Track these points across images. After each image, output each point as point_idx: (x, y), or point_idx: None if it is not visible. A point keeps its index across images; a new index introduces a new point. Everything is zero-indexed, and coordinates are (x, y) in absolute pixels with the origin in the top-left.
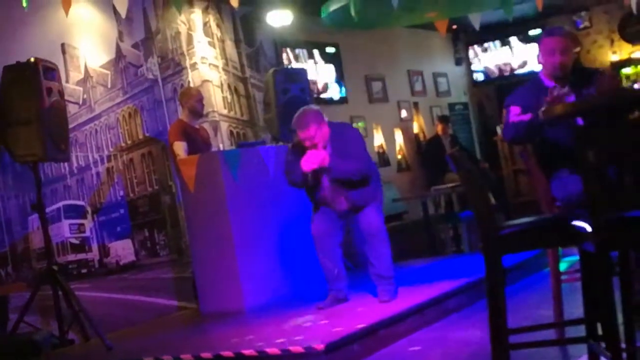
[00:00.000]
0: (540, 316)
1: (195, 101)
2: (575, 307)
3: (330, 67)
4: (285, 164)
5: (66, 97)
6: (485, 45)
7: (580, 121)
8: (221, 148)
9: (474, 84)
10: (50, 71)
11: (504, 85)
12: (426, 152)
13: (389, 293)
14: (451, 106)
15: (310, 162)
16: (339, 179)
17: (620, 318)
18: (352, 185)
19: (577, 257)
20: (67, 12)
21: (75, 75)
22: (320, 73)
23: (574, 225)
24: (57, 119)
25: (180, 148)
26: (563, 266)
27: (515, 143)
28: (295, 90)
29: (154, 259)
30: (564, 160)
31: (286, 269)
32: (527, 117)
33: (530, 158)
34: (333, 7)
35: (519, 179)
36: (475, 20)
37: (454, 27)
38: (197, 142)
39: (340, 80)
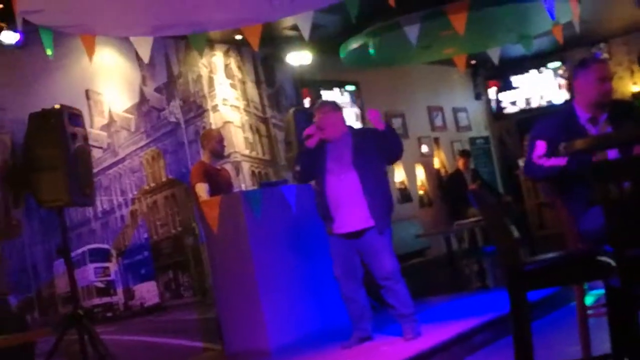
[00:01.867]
0: (567, 352)
1: (215, 142)
2: (602, 342)
3: (353, 109)
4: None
5: (91, 142)
6: (505, 79)
7: (611, 154)
8: (243, 188)
9: (495, 117)
10: (75, 117)
11: (524, 118)
12: (448, 187)
13: (413, 330)
14: (472, 140)
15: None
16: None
17: None
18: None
19: (603, 290)
20: (91, 59)
21: (100, 120)
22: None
23: (600, 260)
24: (82, 164)
25: (202, 190)
26: (589, 300)
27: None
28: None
29: (178, 301)
30: (587, 194)
31: (310, 307)
32: (561, 162)
33: (552, 192)
34: (352, 46)
35: (542, 212)
36: (494, 55)
37: (473, 62)
38: (219, 183)
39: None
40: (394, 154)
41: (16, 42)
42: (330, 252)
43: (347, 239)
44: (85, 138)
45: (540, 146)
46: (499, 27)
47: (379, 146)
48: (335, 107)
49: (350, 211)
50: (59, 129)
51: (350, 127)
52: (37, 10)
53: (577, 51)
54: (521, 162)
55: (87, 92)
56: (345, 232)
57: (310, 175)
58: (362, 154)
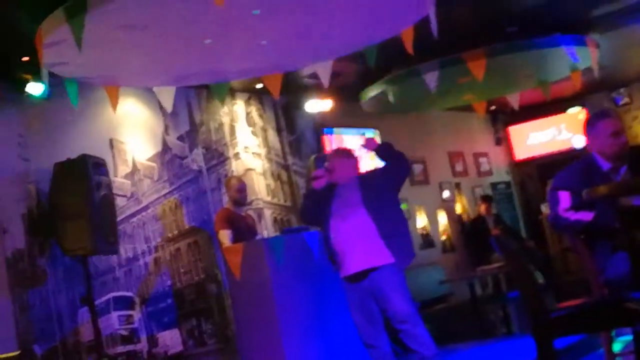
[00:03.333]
0: None
1: (234, 192)
2: None
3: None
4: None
5: (115, 191)
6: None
7: (636, 202)
8: (265, 235)
9: (516, 163)
10: (99, 166)
11: (545, 163)
12: (470, 232)
13: None
14: (493, 185)
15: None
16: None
17: None
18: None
19: (631, 337)
20: (114, 109)
21: (123, 169)
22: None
23: (627, 307)
24: (106, 213)
25: (225, 236)
26: (617, 347)
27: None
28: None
29: (202, 349)
30: (611, 240)
31: (334, 354)
32: (587, 216)
33: (576, 238)
34: (371, 93)
35: (567, 257)
36: (514, 100)
37: (492, 107)
38: (242, 230)
39: None
40: (400, 173)
41: (42, 93)
42: (346, 298)
43: (358, 282)
44: (110, 187)
45: (565, 198)
46: (517, 73)
47: (385, 176)
48: (349, 154)
49: (356, 252)
50: (84, 178)
51: (360, 174)
52: (61, 62)
53: (596, 96)
54: (544, 207)
55: (111, 141)
56: (351, 273)
57: (313, 216)
58: (371, 190)
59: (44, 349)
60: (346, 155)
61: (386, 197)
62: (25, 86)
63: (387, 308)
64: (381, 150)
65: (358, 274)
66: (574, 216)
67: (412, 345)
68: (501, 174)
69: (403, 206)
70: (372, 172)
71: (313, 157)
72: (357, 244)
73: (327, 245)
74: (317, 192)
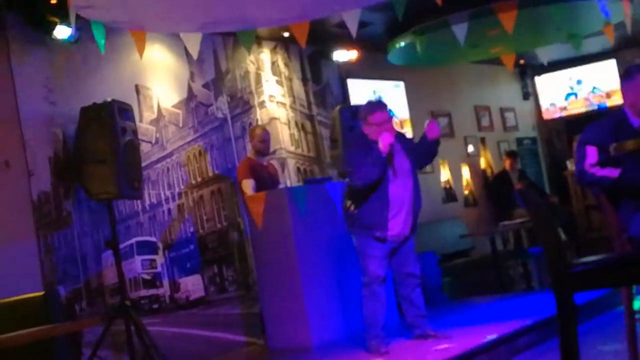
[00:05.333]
0: (613, 356)
1: (258, 141)
2: None
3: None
4: (350, 163)
5: (140, 136)
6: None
7: None
8: (288, 185)
9: (543, 118)
10: (125, 111)
11: (573, 119)
12: (494, 187)
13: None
14: (519, 141)
15: (388, 137)
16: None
17: None
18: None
19: None
20: (141, 55)
21: (149, 115)
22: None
23: None
24: (131, 158)
25: (247, 185)
26: (637, 304)
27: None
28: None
29: (223, 295)
30: (636, 198)
31: (354, 304)
32: (613, 173)
33: (601, 194)
34: (399, 44)
35: (590, 214)
36: (543, 54)
37: (521, 61)
38: (265, 179)
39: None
40: (424, 163)
41: (69, 37)
42: (369, 255)
43: (389, 242)
44: (135, 132)
45: (592, 153)
46: (548, 25)
47: (417, 153)
48: (386, 108)
49: (405, 216)
50: (110, 123)
51: (400, 137)
52: (89, 5)
53: (628, 52)
54: (569, 164)
55: (136, 86)
56: (396, 234)
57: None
58: (413, 160)
59: (68, 290)
60: (387, 109)
61: (416, 169)
62: (52, 30)
63: (408, 264)
64: (436, 143)
65: (394, 235)
66: (600, 172)
67: (417, 301)
68: (527, 130)
69: None
70: (410, 141)
71: (338, 107)
72: (408, 208)
73: (379, 207)
74: (384, 158)
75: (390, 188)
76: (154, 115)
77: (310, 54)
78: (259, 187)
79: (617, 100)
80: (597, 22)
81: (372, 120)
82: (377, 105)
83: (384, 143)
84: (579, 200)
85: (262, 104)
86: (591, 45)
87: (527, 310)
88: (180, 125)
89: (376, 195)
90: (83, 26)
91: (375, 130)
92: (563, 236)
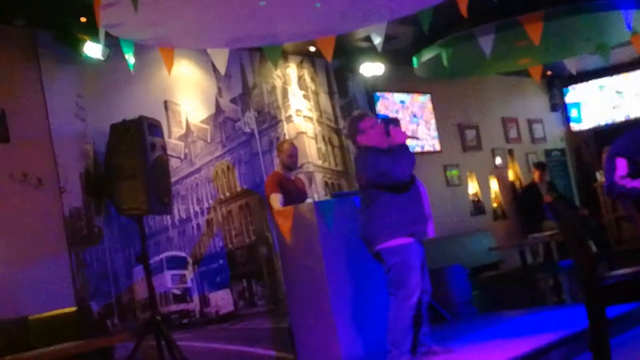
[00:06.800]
0: None
1: (286, 156)
2: None
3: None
4: (375, 168)
5: (169, 152)
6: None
7: None
8: (316, 198)
9: (572, 129)
10: (154, 128)
11: (602, 130)
12: (523, 199)
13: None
14: (547, 152)
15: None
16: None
17: None
18: None
19: None
20: (169, 71)
21: (177, 131)
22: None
23: None
24: (160, 174)
25: (275, 200)
26: None
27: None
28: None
29: (252, 309)
30: None
31: (383, 318)
32: None
33: (632, 206)
34: (425, 57)
35: (621, 226)
36: (572, 65)
37: (549, 72)
38: (293, 194)
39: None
40: None
41: (99, 54)
42: (410, 260)
43: (422, 246)
44: (164, 148)
45: (621, 165)
46: (575, 37)
47: None
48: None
49: (431, 220)
50: (139, 139)
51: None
52: (118, 23)
53: None
54: (599, 175)
55: (165, 102)
56: (433, 236)
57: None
58: None
59: (100, 305)
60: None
61: None
62: (82, 47)
63: (424, 284)
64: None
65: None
66: (630, 184)
67: (425, 319)
68: (556, 141)
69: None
70: None
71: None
72: (428, 212)
73: (417, 204)
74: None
75: (419, 185)
76: (183, 131)
77: (336, 68)
78: (286, 202)
79: None
80: (625, 32)
81: (364, 126)
82: (361, 114)
83: (397, 134)
84: (609, 212)
85: (289, 119)
86: (619, 55)
87: (558, 323)
88: (209, 140)
89: (409, 194)
90: (112, 43)
91: (371, 135)
92: (594, 249)
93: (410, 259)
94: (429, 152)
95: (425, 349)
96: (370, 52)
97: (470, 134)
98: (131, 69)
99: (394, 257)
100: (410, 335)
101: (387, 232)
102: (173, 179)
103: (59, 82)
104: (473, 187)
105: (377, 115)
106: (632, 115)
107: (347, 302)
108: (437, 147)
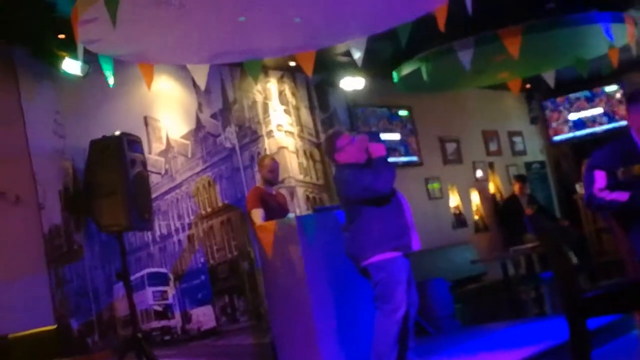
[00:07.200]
0: None
1: (267, 171)
2: None
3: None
4: (357, 183)
5: (149, 168)
6: (560, 102)
7: None
8: (298, 213)
9: (551, 142)
10: (134, 144)
11: (581, 142)
12: (504, 212)
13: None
14: (528, 165)
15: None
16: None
17: None
18: None
19: None
20: (149, 87)
21: (158, 146)
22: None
23: None
24: (140, 190)
25: (257, 215)
26: None
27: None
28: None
29: (234, 325)
30: None
31: (366, 333)
32: (623, 197)
33: (611, 218)
34: (405, 71)
35: (602, 237)
36: (550, 78)
37: (527, 86)
38: (274, 208)
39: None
40: None
41: (77, 71)
42: (396, 274)
43: (408, 259)
44: (144, 164)
45: (600, 177)
46: (553, 50)
47: None
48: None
49: (414, 232)
50: (119, 155)
51: None
52: (97, 39)
53: (634, 75)
54: (579, 187)
55: (145, 118)
56: (416, 250)
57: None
58: None
59: (80, 323)
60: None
61: None
62: (61, 64)
63: (411, 297)
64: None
65: (412, 253)
66: (609, 196)
67: (411, 333)
68: (536, 154)
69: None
70: None
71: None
72: (411, 222)
73: (398, 217)
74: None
75: (399, 197)
76: (163, 147)
77: (317, 82)
78: (268, 217)
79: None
80: (602, 45)
81: (341, 144)
82: (336, 132)
83: (376, 148)
84: (589, 223)
85: (270, 133)
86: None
87: (540, 335)
88: (189, 156)
89: (391, 207)
90: (91, 60)
91: (349, 152)
92: (575, 260)
93: (396, 273)
94: (410, 165)
95: None
96: (351, 66)
97: (450, 147)
98: (110, 85)
99: (380, 272)
100: (395, 350)
101: (372, 248)
102: (154, 195)
103: (37, 98)
104: (454, 200)
105: (357, 131)
106: (611, 127)
107: (330, 316)
108: (418, 160)
